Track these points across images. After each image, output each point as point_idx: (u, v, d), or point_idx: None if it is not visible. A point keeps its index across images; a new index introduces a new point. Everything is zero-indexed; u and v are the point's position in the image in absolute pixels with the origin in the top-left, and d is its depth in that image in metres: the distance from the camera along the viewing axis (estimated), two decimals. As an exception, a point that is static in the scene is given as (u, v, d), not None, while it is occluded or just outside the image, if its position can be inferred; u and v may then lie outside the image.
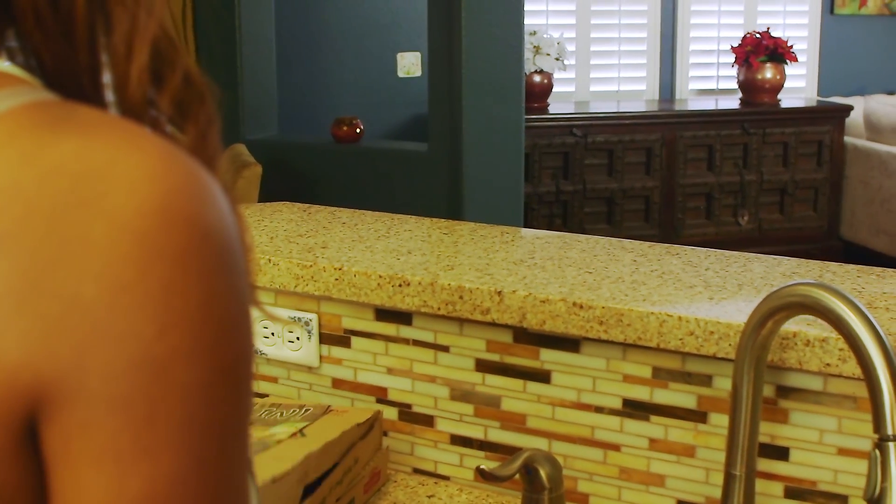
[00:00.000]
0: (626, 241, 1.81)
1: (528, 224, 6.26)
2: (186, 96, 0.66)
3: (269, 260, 1.73)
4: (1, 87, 0.60)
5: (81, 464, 0.56)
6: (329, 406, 1.64)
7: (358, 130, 4.98)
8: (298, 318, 1.73)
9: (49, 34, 0.64)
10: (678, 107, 7.12)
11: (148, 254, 0.56)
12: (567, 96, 7.27)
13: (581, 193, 6.52)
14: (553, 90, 6.86)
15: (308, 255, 1.73)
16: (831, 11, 7.90)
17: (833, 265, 1.68)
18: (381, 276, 1.62)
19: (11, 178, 0.56)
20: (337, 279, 1.66)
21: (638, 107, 7.07)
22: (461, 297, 1.55)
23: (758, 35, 7.16)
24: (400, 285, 1.60)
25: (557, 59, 6.67)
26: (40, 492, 0.57)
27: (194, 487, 0.58)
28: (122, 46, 0.65)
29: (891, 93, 7.97)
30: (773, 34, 7.20)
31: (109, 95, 0.65)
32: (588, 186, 6.53)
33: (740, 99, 7.28)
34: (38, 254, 0.55)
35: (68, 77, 0.65)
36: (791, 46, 7.12)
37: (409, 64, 6.48)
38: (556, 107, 6.84)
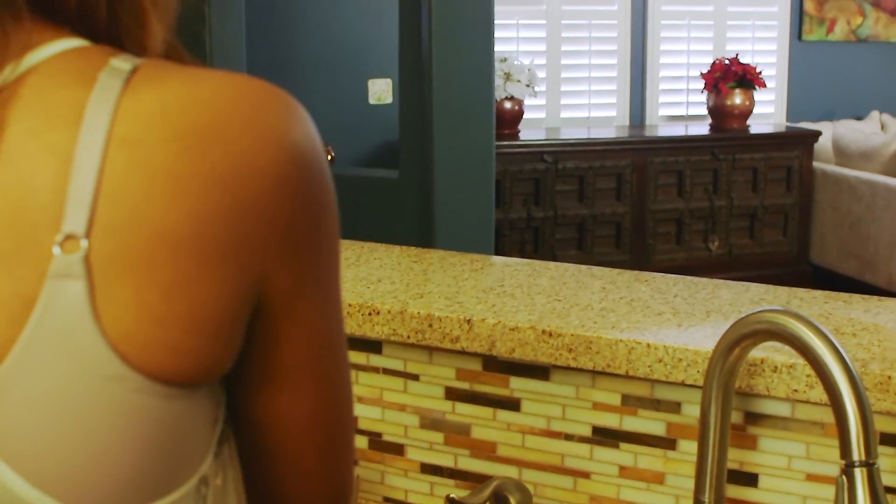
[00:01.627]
0: (595, 269, 1.81)
1: (499, 250, 6.27)
2: None
3: (239, 289, 1.72)
4: (105, 54, 0.73)
5: (287, 316, 0.77)
6: (299, 435, 1.63)
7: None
8: (268, 347, 1.73)
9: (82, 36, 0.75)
10: (648, 133, 7.16)
11: (307, 171, 0.74)
12: (538, 123, 7.30)
13: (552, 219, 6.53)
14: (524, 117, 6.88)
15: (277, 284, 1.73)
16: (799, 38, 7.96)
17: (800, 291, 1.69)
18: (350, 305, 1.62)
19: (183, 97, 0.70)
20: (306, 308, 1.66)
21: (608, 133, 7.10)
22: (431, 326, 1.55)
23: (727, 61, 7.21)
24: (369, 314, 1.60)
25: (528, 86, 6.69)
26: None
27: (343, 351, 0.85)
28: (134, 52, 0.76)
29: (859, 118, 8.04)
30: (742, 60, 7.25)
31: None
32: (559, 212, 6.54)
33: (710, 125, 7.32)
34: (236, 149, 0.71)
35: None
36: (760, 73, 7.17)
37: (381, 91, 6.49)
38: (527, 133, 6.86)
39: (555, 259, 6.49)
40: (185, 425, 0.72)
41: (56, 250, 0.66)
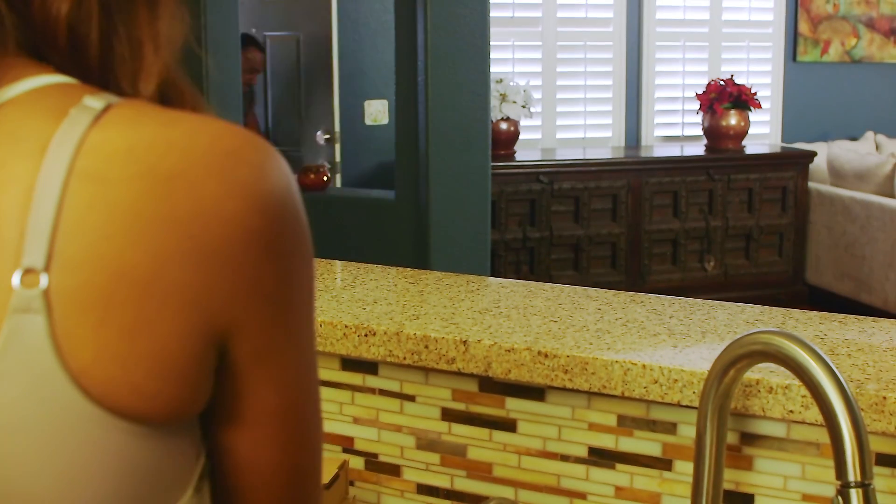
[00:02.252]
0: (590, 290, 1.82)
1: (495, 271, 6.27)
2: None
3: (235, 310, 1.72)
4: (82, 92, 0.72)
5: (256, 367, 0.76)
6: (295, 456, 1.63)
7: (325, 178, 4.99)
8: (264, 368, 1.73)
9: (71, 69, 0.75)
10: (644, 153, 7.18)
11: (277, 224, 0.73)
12: (533, 143, 7.31)
13: (548, 240, 6.54)
14: (519, 137, 6.90)
15: (274, 305, 1.73)
16: (794, 59, 7.99)
17: (796, 312, 1.70)
18: (346, 326, 1.62)
19: (151, 137, 0.70)
20: (303, 329, 1.66)
21: (604, 154, 7.12)
22: (427, 347, 1.55)
23: (722, 82, 7.24)
24: (366, 335, 1.61)
25: (524, 107, 6.71)
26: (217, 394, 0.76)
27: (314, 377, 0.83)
28: (128, 84, 0.77)
29: (853, 139, 8.06)
30: (737, 81, 7.28)
31: None
32: (555, 233, 6.55)
33: (705, 145, 7.34)
34: (203, 194, 0.70)
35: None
36: (755, 93, 7.20)
37: (377, 112, 6.51)
38: (523, 154, 6.88)
39: (550, 280, 6.49)
40: (158, 462, 0.71)
41: (16, 284, 0.66)
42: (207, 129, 0.72)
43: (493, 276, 6.11)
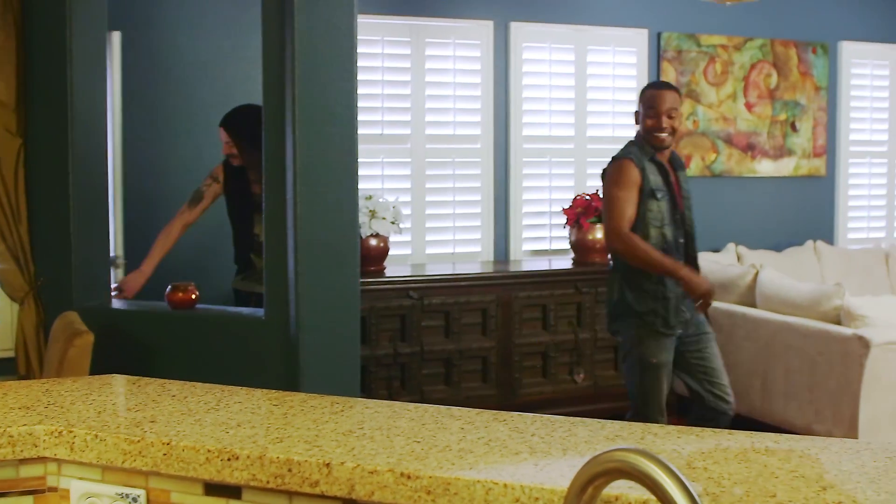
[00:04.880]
0: (454, 409, 1.83)
1: (366, 387, 6.25)
2: None
3: (96, 436, 1.70)
4: None
5: None
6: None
7: (193, 296, 4.95)
8: (126, 495, 1.71)
9: None
10: (513, 267, 7.25)
11: None
12: (403, 259, 7.36)
13: (419, 355, 6.55)
14: (389, 253, 6.93)
15: (136, 430, 1.71)
16: (656, 173, 8.19)
17: (655, 427, 1.73)
18: (209, 451, 1.61)
19: None
20: (165, 454, 1.65)
21: (473, 268, 7.18)
22: (290, 470, 1.55)
23: (587, 197, 7.38)
24: (229, 459, 1.60)
25: (393, 223, 6.76)
26: None
27: None
28: None
29: (716, 250, 8.26)
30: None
31: None
32: (426, 348, 6.57)
33: (573, 259, 7.45)
34: None
35: None
36: (619, 208, 7.34)
37: (246, 229, 6.48)
38: (393, 269, 6.91)
39: (422, 395, 6.49)
40: None
41: None
42: None
43: (364, 392, 6.10)
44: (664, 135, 5.04)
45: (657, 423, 4.87)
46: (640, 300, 5.06)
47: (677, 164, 5.23)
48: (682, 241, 5.08)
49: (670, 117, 5.02)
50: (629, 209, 5.01)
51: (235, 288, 5.70)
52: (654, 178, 5.02)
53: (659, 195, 5.00)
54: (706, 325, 5.27)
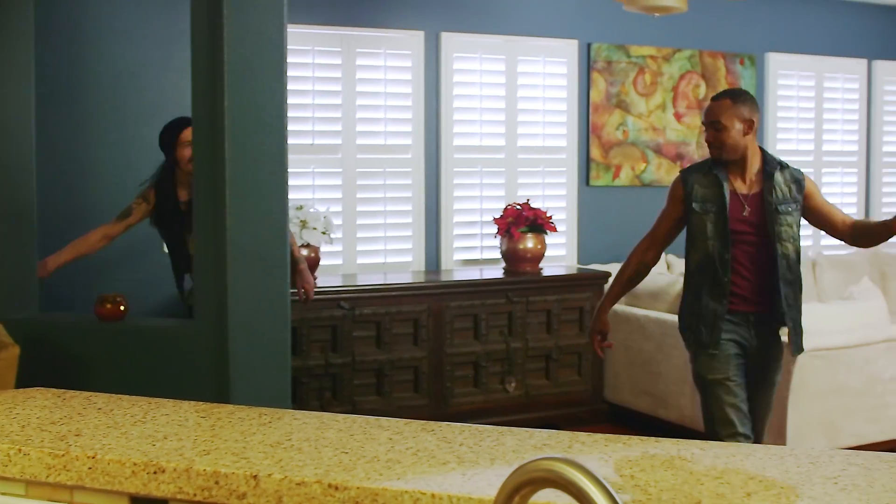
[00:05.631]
0: (383, 420, 1.83)
1: (297, 398, 6.23)
2: None
3: (20, 450, 1.68)
4: None
5: None
6: None
7: (122, 308, 4.90)
8: (50, 510, 1.69)
9: None
10: (444, 277, 7.26)
11: None
12: (334, 269, 7.34)
13: (350, 366, 6.54)
14: (320, 263, 6.91)
15: (61, 444, 1.69)
16: (587, 183, 8.25)
17: (582, 435, 1.74)
18: (135, 464, 1.60)
19: None
20: (90, 468, 1.63)
21: (405, 278, 7.17)
22: (217, 483, 1.54)
23: (518, 206, 7.41)
24: (155, 472, 1.58)
25: (324, 233, 6.74)
26: None
27: None
28: None
29: (645, 260, 8.32)
30: (533, 205, 7.48)
31: None
32: (357, 358, 6.55)
33: (504, 268, 7.48)
34: None
35: None
36: (550, 217, 7.39)
37: (176, 239, 6.43)
38: (324, 280, 6.89)
39: (354, 405, 6.48)
40: None
41: None
42: None
43: (295, 403, 6.07)
44: (711, 147, 4.82)
45: (718, 437, 4.71)
46: (682, 316, 4.94)
47: (766, 175, 4.81)
48: (727, 256, 4.74)
49: (715, 129, 4.76)
50: (662, 224, 4.99)
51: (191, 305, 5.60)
52: (703, 192, 4.82)
53: (700, 208, 4.81)
54: (775, 373, 4.91)
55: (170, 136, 5.39)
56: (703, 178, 4.85)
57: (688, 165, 5.00)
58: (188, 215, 5.08)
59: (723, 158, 4.79)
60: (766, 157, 4.86)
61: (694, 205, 4.82)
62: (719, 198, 4.78)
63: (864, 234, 4.80)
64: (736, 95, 4.81)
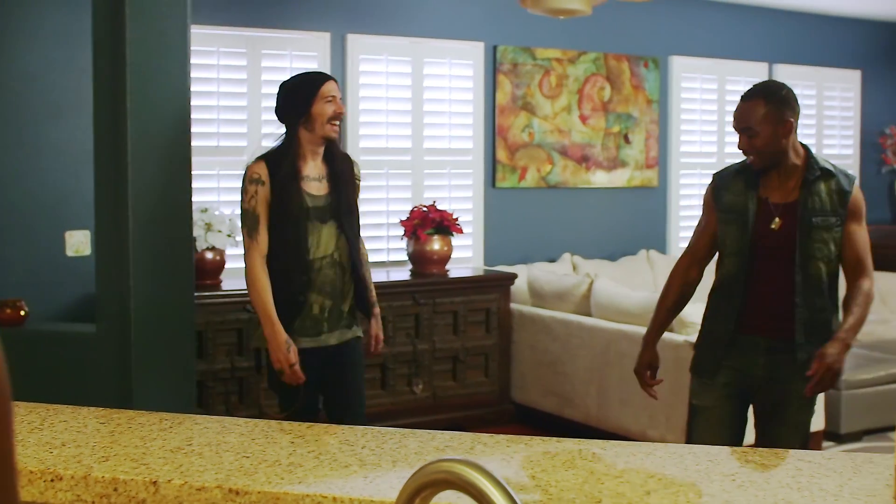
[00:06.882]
0: (284, 423, 1.83)
1: (203, 402, 6.18)
2: None
3: (-88, 459, 1.65)
4: None
5: None
6: None
7: (22, 313, 4.83)
8: (-56, 520, 1.65)
9: None
10: (351, 279, 7.23)
11: None
12: (240, 272, 7.27)
13: (256, 369, 6.49)
14: (226, 267, 6.86)
15: (-45, 453, 1.66)
16: (493, 185, 8.28)
17: (485, 436, 1.75)
18: (31, 472, 1.57)
19: None
20: (-15, 476, 1.60)
21: (311, 280, 7.14)
22: (116, 490, 1.52)
23: (425, 208, 7.42)
24: (52, 480, 1.56)
25: (229, 236, 6.70)
26: None
27: None
28: None
29: (552, 260, 8.39)
30: (440, 207, 7.49)
31: None
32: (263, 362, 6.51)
33: (410, 270, 7.48)
34: None
35: None
36: (457, 219, 7.41)
37: (78, 242, 6.36)
38: (230, 283, 6.83)
39: (260, 409, 6.43)
40: None
41: None
42: None
43: (201, 408, 6.03)
44: (746, 156, 4.14)
45: None
46: (699, 332, 4.35)
47: (805, 182, 4.07)
48: (743, 274, 4.08)
49: (748, 136, 4.04)
50: (700, 237, 4.32)
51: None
52: (731, 199, 4.17)
53: (723, 217, 4.18)
54: (796, 412, 4.16)
55: (310, 88, 4.49)
56: (734, 182, 4.19)
57: (725, 167, 4.38)
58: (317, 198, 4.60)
59: (755, 164, 4.10)
60: (809, 160, 4.11)
61: (718, 213, 4.21)
62: (744, 206, 4.12)
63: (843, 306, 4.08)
64: (770, 93, 4.07)
